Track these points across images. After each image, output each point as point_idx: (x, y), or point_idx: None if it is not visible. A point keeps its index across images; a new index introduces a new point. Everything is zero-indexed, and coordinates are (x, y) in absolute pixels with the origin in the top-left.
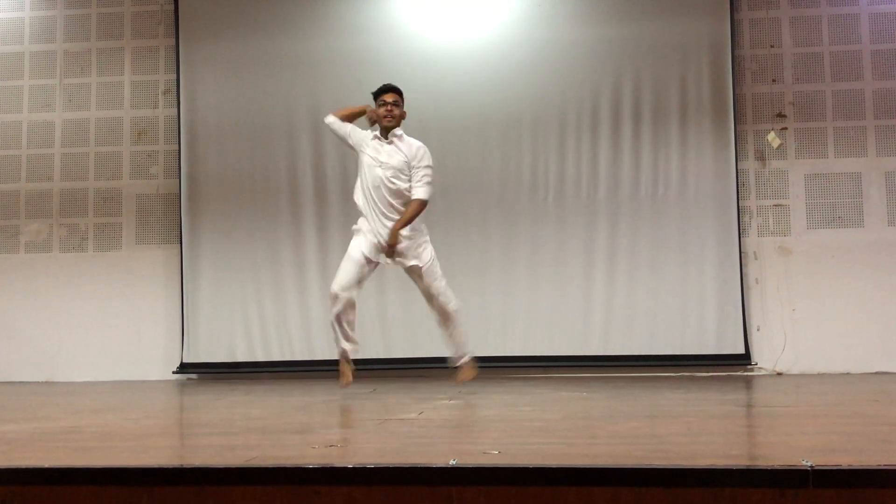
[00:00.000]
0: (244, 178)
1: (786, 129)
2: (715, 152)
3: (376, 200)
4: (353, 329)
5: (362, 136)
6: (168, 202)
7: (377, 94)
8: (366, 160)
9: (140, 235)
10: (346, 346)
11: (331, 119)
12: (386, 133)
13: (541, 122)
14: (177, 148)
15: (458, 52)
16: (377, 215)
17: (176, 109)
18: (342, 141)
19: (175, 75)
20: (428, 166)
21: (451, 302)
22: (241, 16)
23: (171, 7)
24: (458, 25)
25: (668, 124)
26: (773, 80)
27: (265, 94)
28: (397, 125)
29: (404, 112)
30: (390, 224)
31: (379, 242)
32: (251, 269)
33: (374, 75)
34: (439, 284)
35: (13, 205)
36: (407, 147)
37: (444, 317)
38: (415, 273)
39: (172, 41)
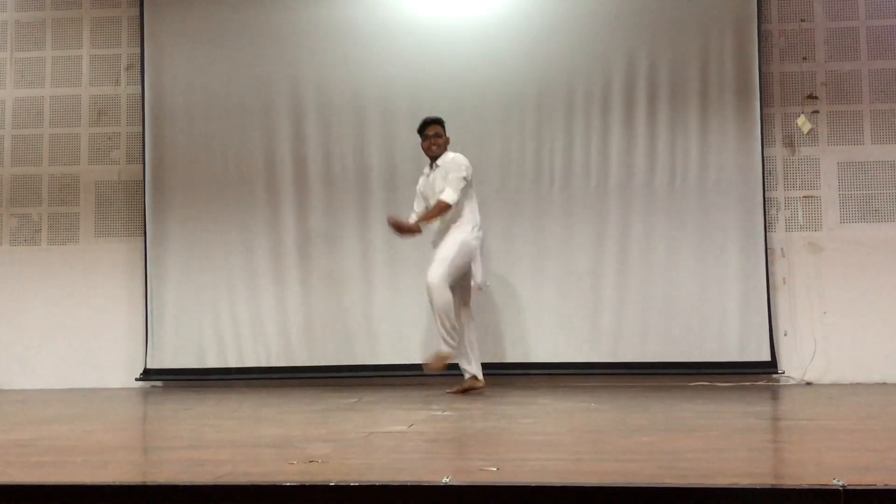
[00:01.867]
0: (216, 164)
1: (817, 112)
2: (738, 138)
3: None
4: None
5: (420, 181)
6: (131, 190)
7: (420, 129)
8: (419, 189)
9: (99, 227)
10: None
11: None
12: (432, 162)
13: (546, 102)
14: (140, 130)
15: (454, 24)
16: (435, 232)
17: (140, 87)
18: None
19: (139, 49)
20: (458, 175)
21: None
22: None
23: None
24: None
25: (687, 106)
26: (804, 58)
27: (239, 70)
28: (441, 153)
29: (447, 139)
30: (453, 229)
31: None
32: (223, 265)
33: (361, 50)
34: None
35: None
36: (443, 165)
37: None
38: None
39: (136, 11)
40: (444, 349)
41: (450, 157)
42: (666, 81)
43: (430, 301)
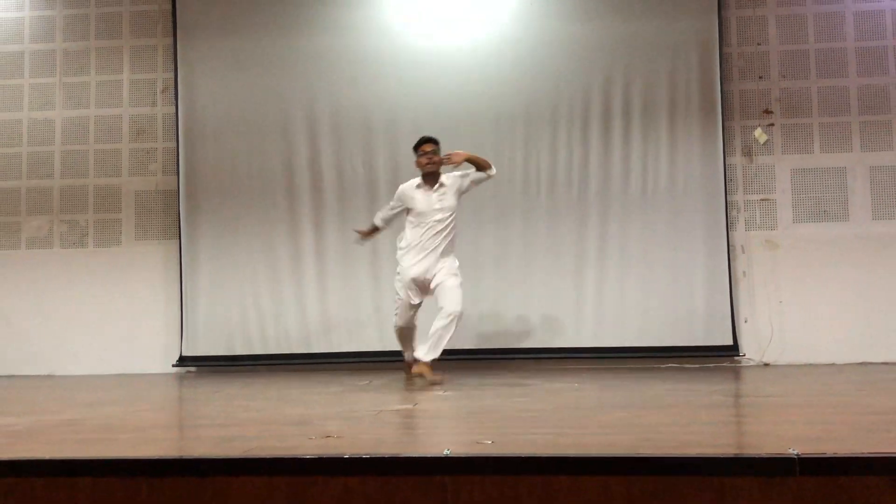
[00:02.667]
0: (241, 175)
1: (772, 125)
2: (703, 148)
3: (428, 239)
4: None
5: (406, 193)
6: (167, 199)
7: (416, 146)
8: (420, 208)
9: (139, 231)
10: (406, 355)
11: (379, 220)
12: (429, 180)
13: (533, 118)
14: (175, 145)
15: (451, 50)
16: (427, 251)
17: (174, 107)
18: (398, 212)
19: (173, 74)
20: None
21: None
22: (237, 15)
23: (169, 7)
24: (450, 24)
25: (658, 121)
26: (760, 77)
27: (261, 92)
28: (436, 170)
29: (442, 158)
30: (434, 256)
31: (423, 277)
32: (249, 264)
33: (369, 73)
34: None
35: (15, 201)
36: (449, 183)
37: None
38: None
39: (170, 40)
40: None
41: (453, 174)
42: (639, 99)
43: (455, 323)
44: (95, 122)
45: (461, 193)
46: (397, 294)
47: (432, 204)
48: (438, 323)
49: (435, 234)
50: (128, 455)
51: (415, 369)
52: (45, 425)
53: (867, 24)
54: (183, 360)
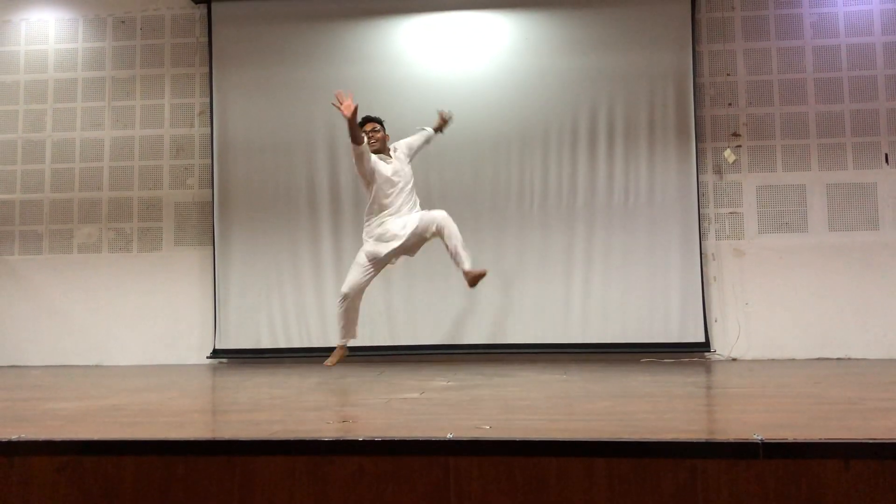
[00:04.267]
0: (269, 189)
1: (740, 146)
2: (678, 166)
3: (402, 200)
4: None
5: (374, 160)
6: (202, 209)
7: (362, 124)
8: (386, 174)
9: (178, 238)
10: (346, 337)
11: (365, 153)
12: (382, 154)
13: (527, 139)
14: (210, 162)
15: (455, 79)
16: (404, 211)
17: (209, 128)
18: (366, 172)
19: (209, 99)
20: (406, 151)
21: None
22: (266, 47)
23: (206, 40)
24: (455, 55)
25: (638, 142)
26: (729, 104)
27: (287, 116)
28: (382, 147)
29: (386, 135)
30: (414, 211)
31: (404, 233)
32: (274, 268)
33: (383, 98)
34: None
35: (68, 211)
36: (399, 146)
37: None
38: (437, 232)
39: (206, 69)
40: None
41: (399, 141)
42: (621, 123)
43: (452, 225)
44: (140, 141)
45: (411, 156)
46: (362, 260)
47: (398, 170)
48: (449, 240)
49: (405, 194)
50: (166, 437)
51: None
52: (93, 409)
53: (825, 57)
54: (216, 353)
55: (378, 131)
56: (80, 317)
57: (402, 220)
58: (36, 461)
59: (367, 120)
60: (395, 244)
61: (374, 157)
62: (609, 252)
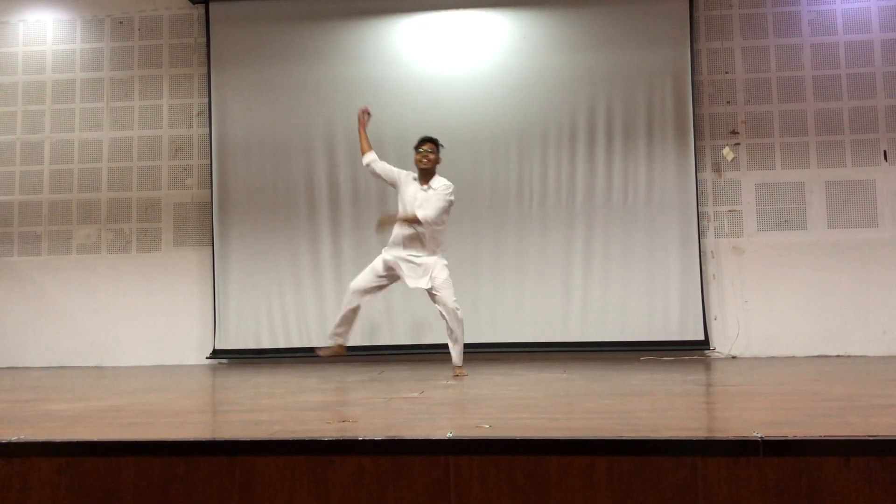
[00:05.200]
0: (267, 189)
1: (738, 144)
2: (677, 165)
3: (404, 230)
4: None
5: (401, 177)
6: (201, 210)
7: (417, 145)
8: (408, 198)
9: (177, 238)
10: (341, 337)
11: (371, 161)
12: (424, 177)
13: (526, 138)
14: (209, 162)
15: (454, 78)
16: (400, 243)
17: (208, 129)
18: (385, 181)
19: (207, 99)
20: (444, 202)
21: (459, 311)
22: (264, 48)
23: (204, 40)
24: (454, 55)
25: (637, 140)
26: (728, 102)
27: (285, 116)
28: (432, 168)
29: (440, 158)
30: (406, 252)
31: (395, 261)
32: (274, 268)
33: (381, 99)
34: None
35: (67, 212)
36: (437, 189)
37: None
38: (430, 293)
39: (205, 70)
40: (460, 362)
41: (444, 184)
42: (620, 121)
43: (457, 321)
44: (138, 141)
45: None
46: (377, 264)
47: (421, 200)
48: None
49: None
50: (166, 437)
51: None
52: (93, 410)
53: (823, 54)
54: (216, 353)
55: (433, 153)
56: (79, 318)
57: (394, 251)
58: (36, 462)
59: (426, 140)
60: (396, 254)
61: (412, 176)
62: (608, 250)
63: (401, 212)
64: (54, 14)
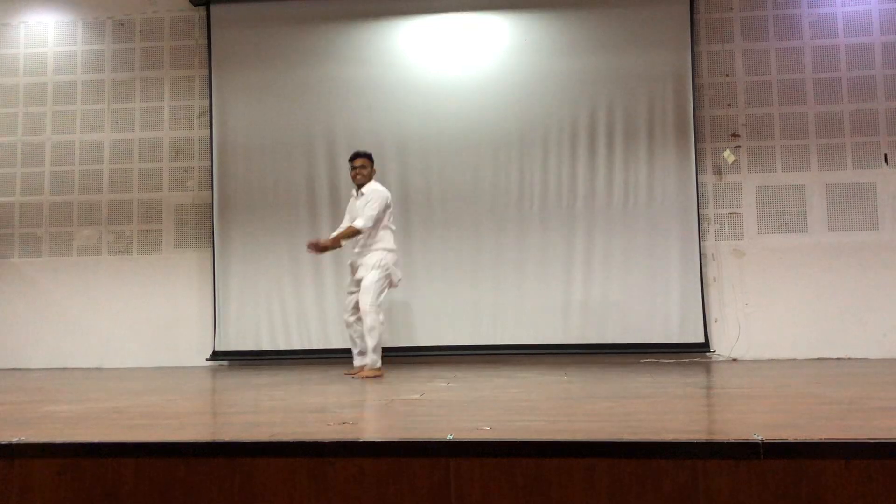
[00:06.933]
0: (268, 190)
1: (739, 147)
2: (678, 167)
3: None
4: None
5: (351, 200)
6: (202, 211)
7: (350, 160)
8: (347, 209)
9: (178, 240)
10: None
11: (357, 226)
12: (360, 187)
13: (527, 140)
14: (210, 164)
15: (455, 80)
16: (353, 245)
17: (209, 131)
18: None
19: (208, 101)
20: (374, 207)
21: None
22: (265, 50)
23: (205, 42)
24: (454, 57)
25: (637, 143)
26: (728, 105)
27: (286, 117)
28: (365, 182)
29: (373, 171)
30: (356, 252)
31: (352, 262)
32: (274, 269)
33: (382, 101)
34: (368, 300)
35: (68, 214)
36: (367, 194)
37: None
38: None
39: (206, 72)
40: (370, 362)
41: (371, 188)
42: (621, 124)
43: (367, 326)
44: (139, 143)
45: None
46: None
47: (354, 207)
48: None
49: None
50: (167, 439)
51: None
52: (94, 412)
53: (823, 57)
54: (216, 355)
55: (366, 167)
56: (80, 319)
57: (359, 251)
58: (36, 464)
59: (357, 155)
60: (353, 257)
61: (350, 199)
62: (609, 253)
63: (337, 232)
64: (55, 16)
